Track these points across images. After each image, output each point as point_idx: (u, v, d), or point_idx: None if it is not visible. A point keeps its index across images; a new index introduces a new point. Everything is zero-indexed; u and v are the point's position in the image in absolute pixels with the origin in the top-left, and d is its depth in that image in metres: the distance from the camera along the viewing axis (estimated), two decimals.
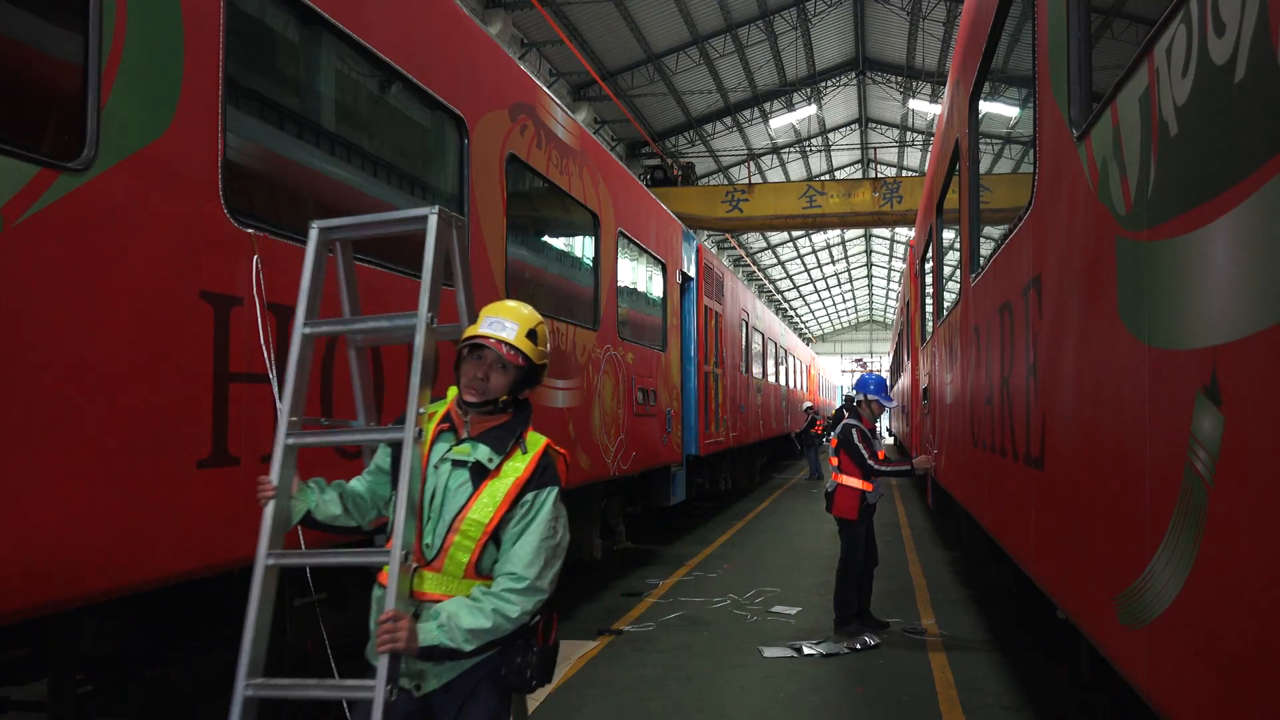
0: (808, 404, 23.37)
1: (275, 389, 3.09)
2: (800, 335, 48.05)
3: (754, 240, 44.84)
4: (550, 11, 20.39)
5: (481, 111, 4.95)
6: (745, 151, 32.91)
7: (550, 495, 2.39)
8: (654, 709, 4.82)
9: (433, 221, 2.65)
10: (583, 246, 7.13)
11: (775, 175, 35.89)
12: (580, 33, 22.68)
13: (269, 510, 2.45)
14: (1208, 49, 1.70)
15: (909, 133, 31.96)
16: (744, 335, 14.42)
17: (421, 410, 2.44)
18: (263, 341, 3.11)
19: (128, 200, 2.63)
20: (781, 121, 29.93)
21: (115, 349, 2.59)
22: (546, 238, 6.41)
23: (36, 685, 2.98)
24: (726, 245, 42.01)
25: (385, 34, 3.97)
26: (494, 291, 5.07)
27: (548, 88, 8.63)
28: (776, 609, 7.22)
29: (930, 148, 23.09)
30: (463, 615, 2.24)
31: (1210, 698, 1.75)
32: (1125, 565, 2.22)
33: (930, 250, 8.48)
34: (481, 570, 2.35)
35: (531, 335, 2.49)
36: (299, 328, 2.66)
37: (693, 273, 10.86)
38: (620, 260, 7.82)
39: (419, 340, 2.51)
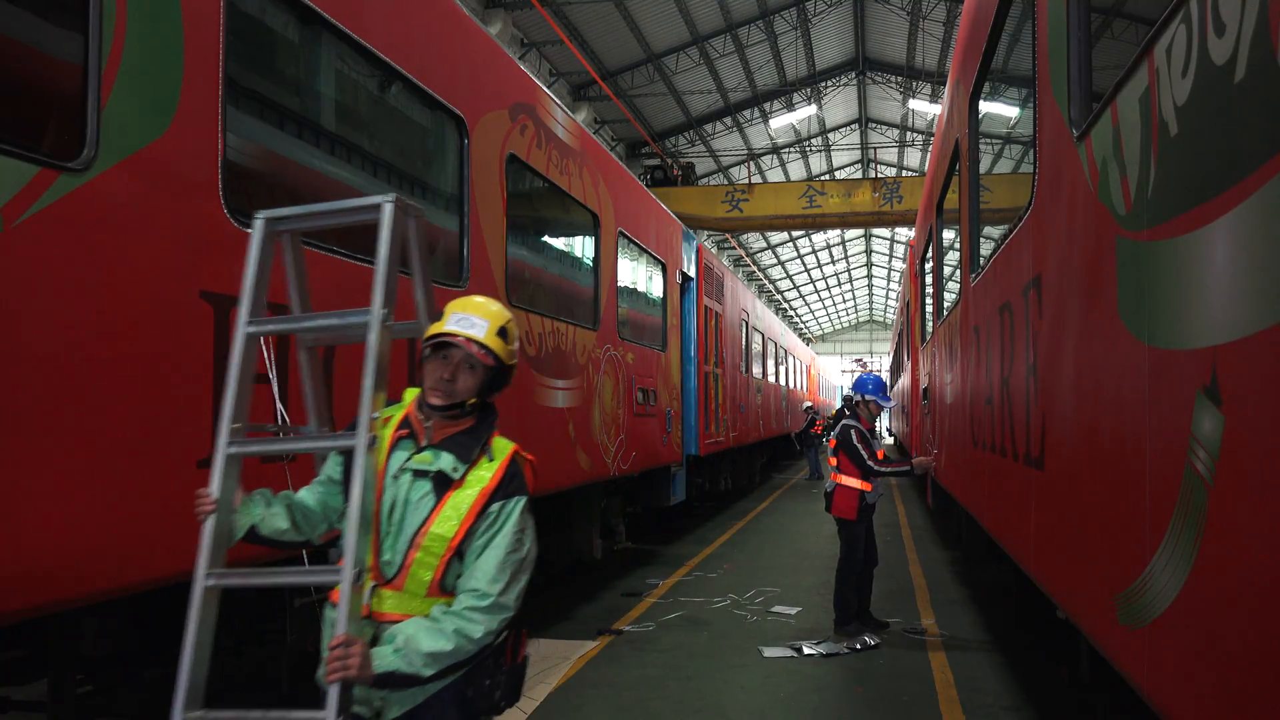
0: (808, 403, 23.37)
1: (275, 389, 3.09)
2: (800, 335, 48.05)
3: (754, 240, 44.84)
4: (550, 11, 20.40)
5: (481, 111, 4.95)
6: (745, 151, 32.91)
7: (518, 505, 2.22)
8: (654, 709, 4.82)
9: (388, 211, 2.44)
10: (583, 246, 7.13)
11: (775, 175, 35.90)
12: (580, 33, 22.68)
13: (208, 525, 2.24)
14: (1208, 49, 1.70)
15: (909, 133, 31.96)
16: (744, 335, 14.42)
17: (375, 415, 2.26)
18: (262, 342, 3.10)
19: (128, 200, 2.63)
20: (781, 121, 29.94)
21: (115, 349, 2.59)
22: (546, 238, 6.41)
23: (37, 685, 2.98)
24: (726, 245, 42.02)
25: (385, 34, 3.97)
26: (494, 292, 5.07)
27: (548, 88, 8.63)
28: (776, 609, 7.22)
29: (930, 148, 23.09)
30: (421, 638, 2.07)
31: (1210, 698, 1.75)
32: (1125, 565, 2.22)
33: (930, 250, 8.48)
34: (446, 588, 2.18)
35: (502, 333, 2.32)
36: (241, 326, 2.45)
37: (693, 273, 10.86)
38: (620, 260, 7.83)
39: (372, 339, 2.32)
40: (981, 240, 5.08)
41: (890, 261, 53.21)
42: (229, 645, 3.60)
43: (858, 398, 6.82)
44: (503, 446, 2.33)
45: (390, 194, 2.45)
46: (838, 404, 38.26)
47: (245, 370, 2.44)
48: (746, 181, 29.63)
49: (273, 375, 3.11)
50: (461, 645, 2.09)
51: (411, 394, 2.41)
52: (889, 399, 6.84)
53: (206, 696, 2.22)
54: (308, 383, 2.75)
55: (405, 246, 2.60)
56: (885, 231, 45.30)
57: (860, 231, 46.92)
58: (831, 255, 52.55)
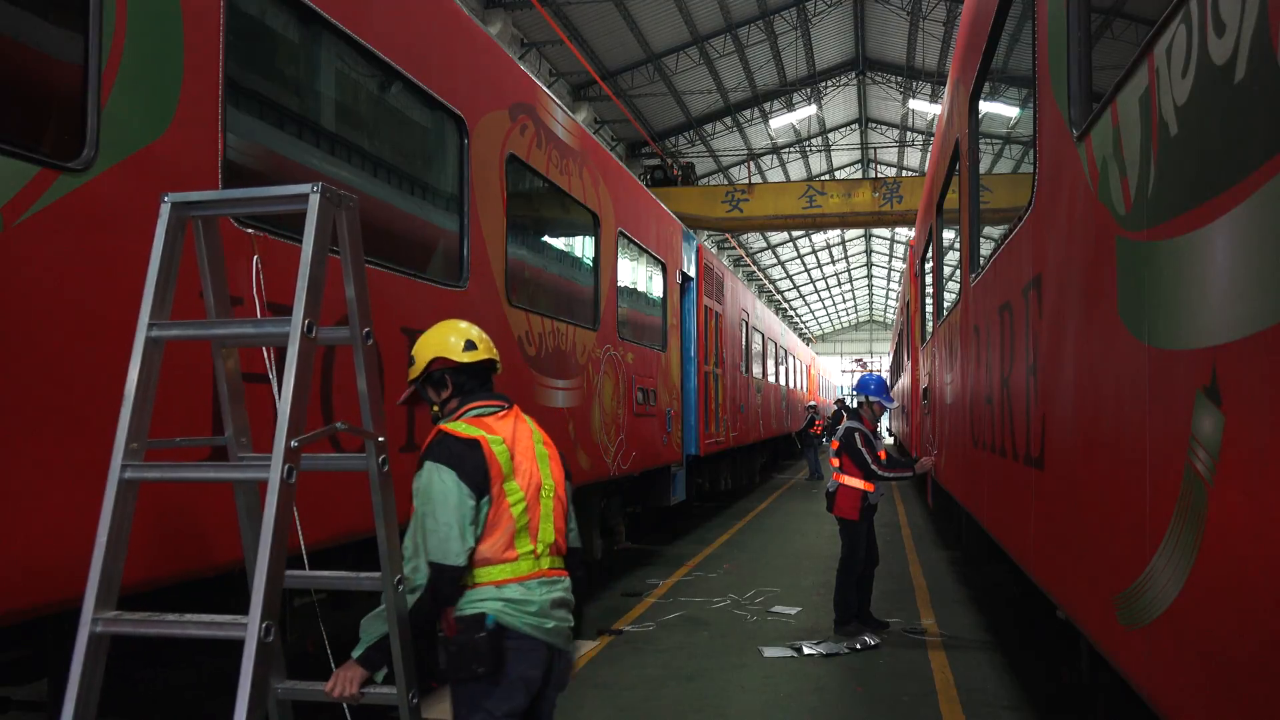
0: (811, 403, 23.37)
1: (275, 389, 3.08)
2: (800, 335, 48.04)
3: (754, 240, 44.83)
4: (550, 11, 20.39)
5: (481, 111, 4.95)
6: (745, 151, 32.91)
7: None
8: (654, 709, 4.82)
9: (314, 201, 2.19)
10: (583, 246, 7.13)
11: (775, 175, 35.89)
12: (580, 33, 22.68)
13: (97, 562, 2.01)
14: (1208, 49, 1.70)
15: (909, 133, 31.95)
16: (744, 335, 14.42)
17: (294, 443, 2.10)
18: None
19: (128, 200, 2.63)
20: (781, 121, 29.93)
21: (116, 349, 2.59)
22: (546, 238, 6.41)
23: (37, 685, 2.98)
24: (726, 245, 42.00)
25: (385, 34, 3.97)
26: (495, 292, 5.07)
27: (548, 88, 8.63)
28: (776, 609, 7.22)
29: (930, 148, 23.09)
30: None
31: (1210, 698, 1.75)
32: (1125, 565, 2.22)
33: (930, 250, 8.48)
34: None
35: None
36: (142, 329, 2.19)
37: (693, 273, 10.86)
38: (620, 260, 7.82)
39: (293, 350, 2.10)
40: (981, 240, 5.08)
41: (890, 261, 53.20)
42: (228, 645, 3.60)
43: (860, 399, 6.81)
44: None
45: (317, 183, 2.25)
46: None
47: (145, 381, 2.20)
48: (746, 181, 29.63)
49: (272, 375, 3.10)
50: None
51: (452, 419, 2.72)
52: (891, 399, 6.84)
53: (199, 699, 2.21)
54: (224, 393, 2.52)
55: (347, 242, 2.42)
56: (885, 231, 45.28)
57: (860, 231, 46.90)
58: (831, 255, 52.54)
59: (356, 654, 2.49)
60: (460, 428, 2.60)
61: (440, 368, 2.73)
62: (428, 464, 2.54)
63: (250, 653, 1.86)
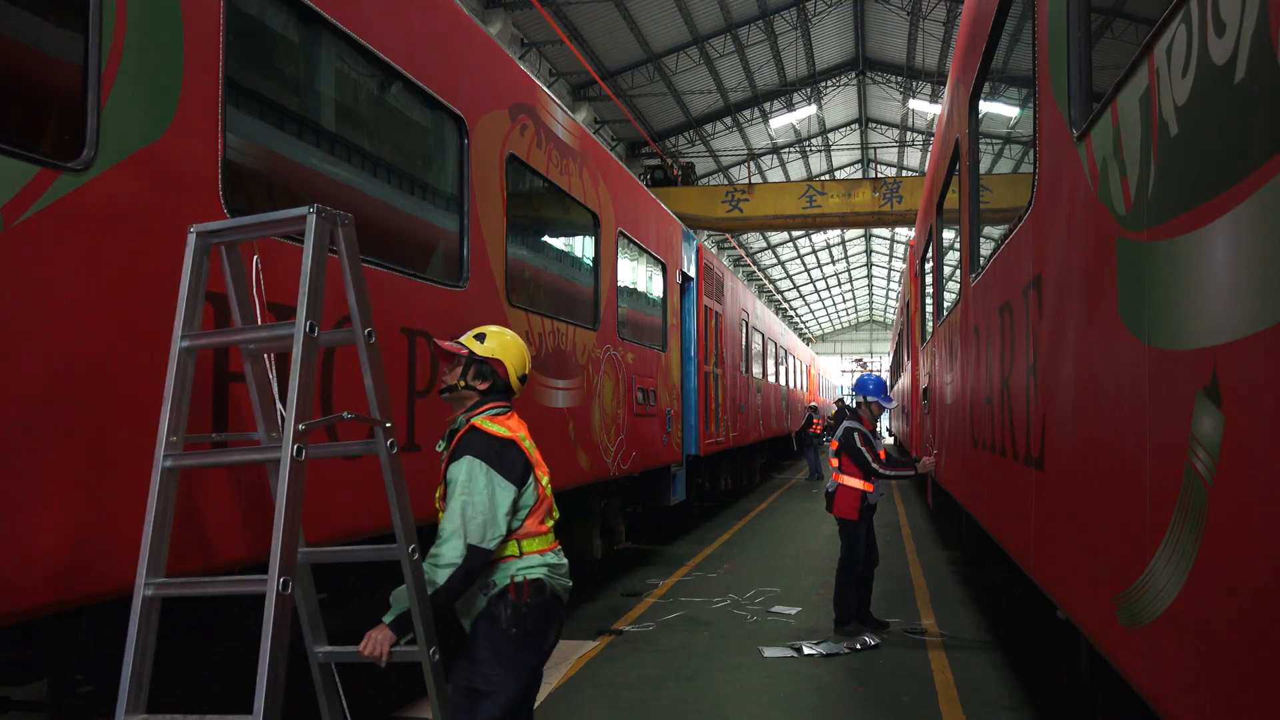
0: (813, 404, 23.36)
1: (275, 389, 3.08)
2: (800, 335, 48.04)
3: (754, 240, 44.84)
4: (550, 11, 20.39)
5: (481, 111, 4.95)
6: (745, 151, 32.91)
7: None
8: (654, 709, 4.82)
9: (312, 222, 2.55)
10: (583, 246, 7.13)
11: (775, 175, 35.89)
12: (580, 33, 22.68)
13: (148, 533, 2.38)
14: (1208, 49, 1.70)
15: (909, 133, 31.95)
16: (744, 335, 14.42)
17: (301, 427, 2.46)
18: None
19: (128, 200, 2.63)
20: (781, 121, 29.93)
21: (116, 349, 2.59)
22: (546, 238, 6.41)
23: (37, 685, 2.98)
24: (726, 245, 42.01)
25: (385, 34, 3.97)
26: (494, 292, 5.07)
27: (548, 88, 8.63)
28: (776, 609, 7.22)
29: (930, 148, 23.09)
30: None
31: (1210, 698, 1.75)
32: (1125, 565, 2.22)
33: (930, 250, 8.48)
34: None
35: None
36: (176, 340, 2.58)
37: (693, 273, 10.86)
38: (620, 260, 7.82)
39: (298, 351, 2.46)
40: (981, 240, 5.08)
41: (890, 261, 53.20)
42: (227, 646, 3.60)
43: (859, 399, 6.82)
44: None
45: (313, 205, 2.59)
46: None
47: (181, 385, 2.56)
48: (746, 181, 29.63)
49: (272, 376, 3.11)
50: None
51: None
52: (890, 399, 6.84)
53: (194, 698, 2.25)
54: (254, 390, 2.85)
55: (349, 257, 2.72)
56: (885, 231, 45.29)
57: (860, 231, 46.91)
58: (831, 255, 52.54)
59: (387, 619, 2.76)
60: (493, 427, 2.98)
61: (500, 372, 3.11)
62: (471, 459, 2.88)
63: (271, 602, 2.24)
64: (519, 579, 2.93)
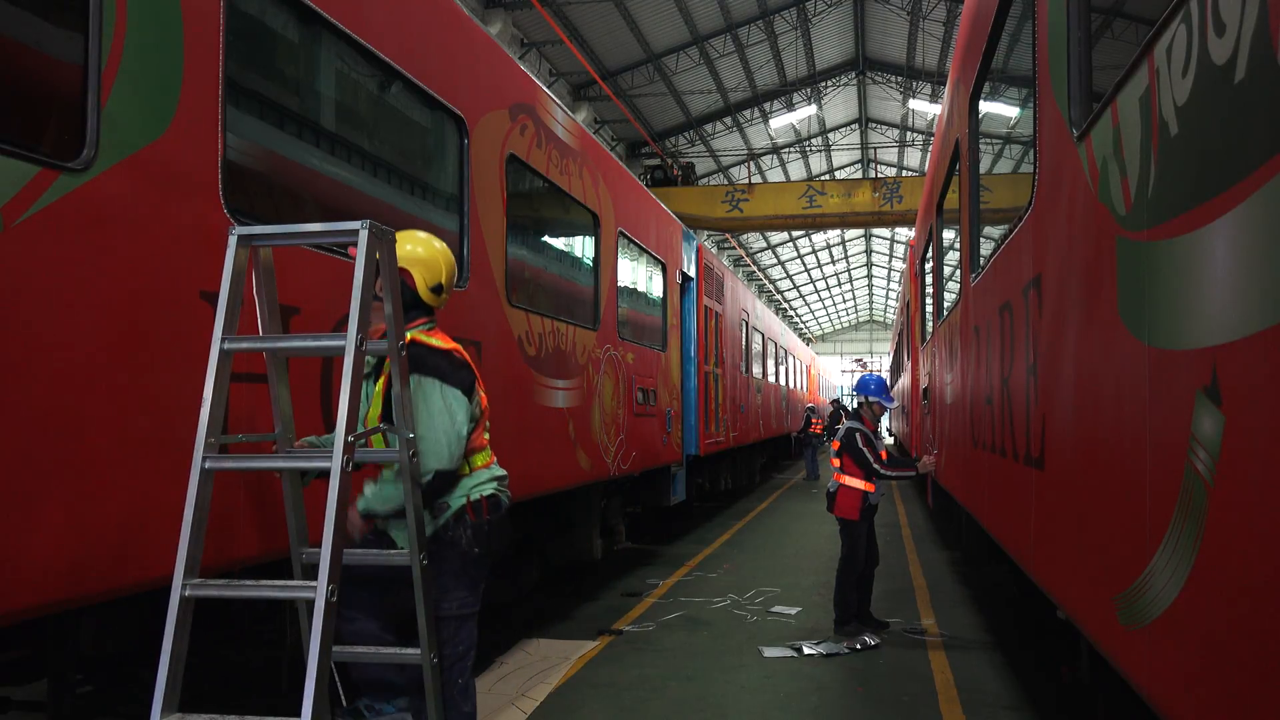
0: (811, 404, 23.35)
1: (272, 392, 3.08)
2: (800, 335, 48.04)
3: (754, 240, 44.83)
4: (550, 11, 20.39)
5: (481, 111, 4.95)
6: (745, 151, 32.90)
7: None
8: (654, 709, 4.82)
9: (363, 236, 2.60)
10: (583, 246, 7.13)
11: (775, 175, 35.89)
12: (580, 33, 22.67)
13: (185, 535, 2.42)
14: (1208, 49, 1.70)
15: (909, 133, 31.95)
16: (744, 335, 14.41)
17: (349, 438, 2.51)
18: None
19: (128, 201, 2.63)
20: (781, 121, 29.92)
21: (116, 349, 2.59)
22: (546, 238, 6.41)
23: (37, 685, 2.98)
24: (726, 245, 42.00)
25: (385, 34, 3.97)
26: (494, 292, 5.07)
27: (548, 88, 8.63)
28: (776, 609, 7.22)
29: (930, 148, 23.09)
30: None
31: (1210, 698, 1.75)
32: (1125, 565, 2.22)
33: (930, 250, 8.48)
34: None
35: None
36: (216, 342, 2.58)
37: (693, 273, 10.86)
38: (620, 260, 7.82)
39: (348, 362, 2.50)
40: (981, 240, 5.08)
41: (890, 261, 53.20)
42: (228, 646, 3.60)
43: (860, 399, 6.81)
44: None
45: (367, 220, 2.62)
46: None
47: (220, 387, 2.56)
48: (746, 181, 29.63)
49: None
50: None
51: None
52: (892, 399, 6.83)
53: (195, 698, 2.25)
54: (275, 390, 2.87)
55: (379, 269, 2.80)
56: (885, 231, 45.29)
57: (860, 231, 46.91)
58: (831, 255, 52.53)
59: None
60: (434, 341, 2.91)
61: (410, 282, 2.98)
62: (427, 379, 2.82)
63: (320, 609, 2.25)
64: (474, 497, 2.89)
